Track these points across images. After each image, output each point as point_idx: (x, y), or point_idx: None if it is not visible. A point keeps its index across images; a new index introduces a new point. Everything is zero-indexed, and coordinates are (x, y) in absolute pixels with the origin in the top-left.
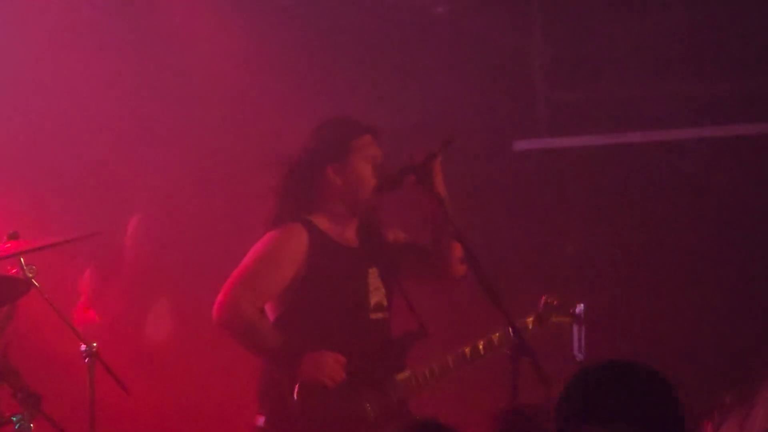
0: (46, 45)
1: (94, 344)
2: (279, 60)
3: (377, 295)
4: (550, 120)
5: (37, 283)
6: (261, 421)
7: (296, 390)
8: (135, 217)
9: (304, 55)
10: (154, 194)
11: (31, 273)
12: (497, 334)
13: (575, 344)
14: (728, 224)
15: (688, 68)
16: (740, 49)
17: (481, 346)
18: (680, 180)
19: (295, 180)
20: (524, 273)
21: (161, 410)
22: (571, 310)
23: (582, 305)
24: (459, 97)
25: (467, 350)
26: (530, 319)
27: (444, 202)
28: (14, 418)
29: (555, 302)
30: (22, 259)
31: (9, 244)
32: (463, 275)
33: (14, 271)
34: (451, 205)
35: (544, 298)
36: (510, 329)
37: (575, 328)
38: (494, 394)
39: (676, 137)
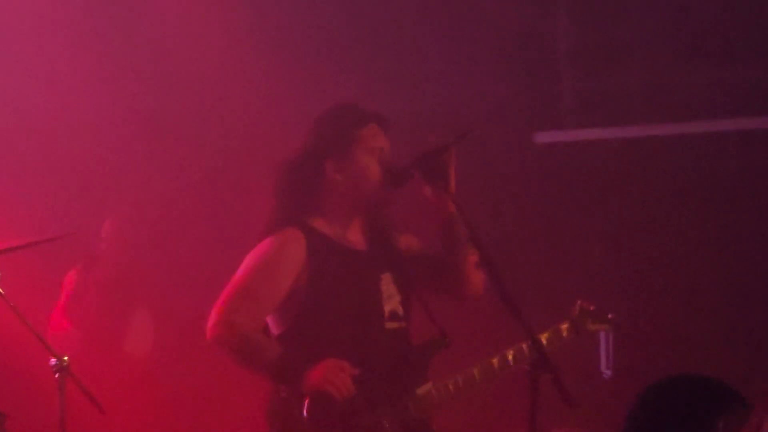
0: (20, 38)
1: (65, 358)
2: (276, 47)
3: (392, 302)
4: (575, 110)
5: (1, 290)
6: None
7: (305, 406)
8: (111, 218)
9: (307, 38)
10: (132, 193)
11: None
12: (526, 344)
13: (603, 359)
14: None
15: (726, 54)
16: None
17: (510, 357)
18: (719, 175)
19: (292, 179)
20: (547, 277)
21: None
22: (610, 317)
23: (610, 316)
24: (476, 85)
25: (495, 361)
26: (565, 326)
27: (458, 200)
28: None
29: (591, 308)
30: None
31: None
32: (482, 293)
33: None
34: (466, 204)
35: (579, 303)
36: (530, 342)
37: (603, 342)
38: (512, 413)
39: (714, 129)
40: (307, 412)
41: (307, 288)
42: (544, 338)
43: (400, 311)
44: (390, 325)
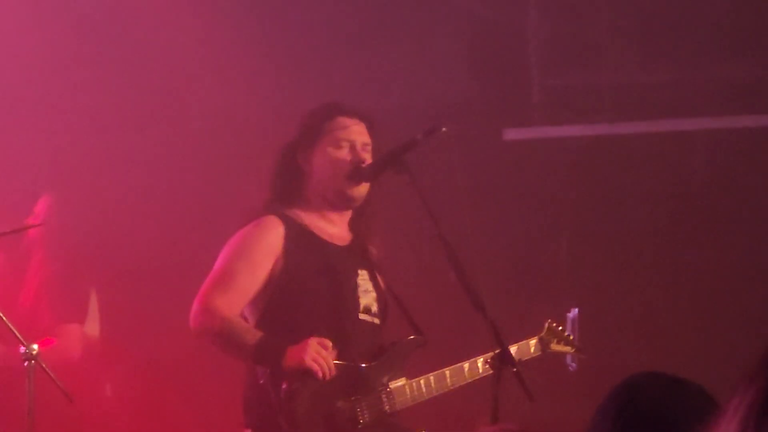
0: None
1: (35, 346)
2: (248, 43)
3: (367, 297)
4: (544, 107)
5: None
6: None
7: (283, 390)
8: (44, 198)
9: (278, 35)
10: (68, 169)
11: None
12: (494, 353)
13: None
14: (738, 222)
15: (697, 53)
16: (752, 33)
17: (480, 364)
18: (687, 174)
19: (272, 171)
20: (514, 275)
21: (110, 422)
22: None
23: (576, 310)
24: (444, 81)
25: (466, 366)
26: (533, 342)
27: (425, 196)
28: None
29: (560, 328)
30: None
31: None
32: None
33: None
34: (433, 200)
35: (548, 321)
36: (494, 337)
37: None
38: (475, 405)
39: (683, 128)
40: (285, 392)
41: (281, 275)
42: (512, 350)
43: (374, 308)
44: (363, 317)
